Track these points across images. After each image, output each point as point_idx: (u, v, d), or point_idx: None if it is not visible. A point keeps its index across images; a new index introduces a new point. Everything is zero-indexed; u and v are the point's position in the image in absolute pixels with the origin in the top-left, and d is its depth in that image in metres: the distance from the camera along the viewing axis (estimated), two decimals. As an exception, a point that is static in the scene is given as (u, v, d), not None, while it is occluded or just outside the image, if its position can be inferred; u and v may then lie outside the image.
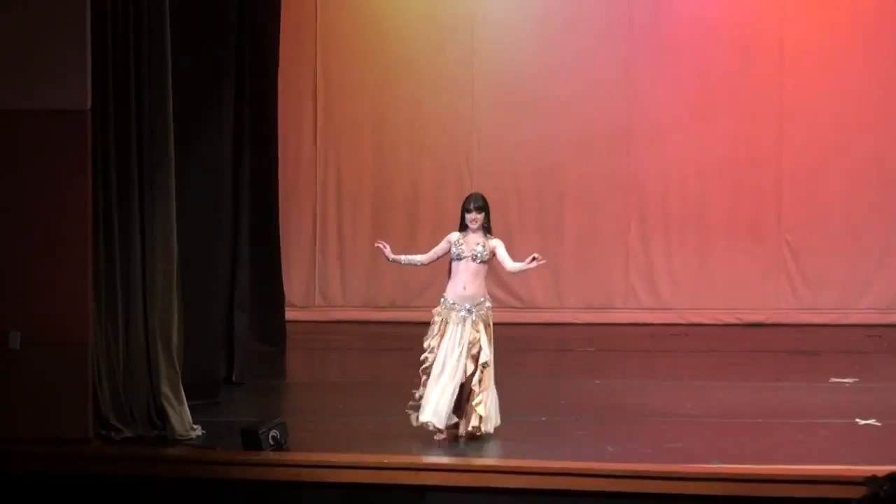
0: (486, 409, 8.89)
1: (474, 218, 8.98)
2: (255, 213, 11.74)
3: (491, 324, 9.01)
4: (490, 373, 8.95)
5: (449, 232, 9.11)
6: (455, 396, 8.87)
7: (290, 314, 12.86)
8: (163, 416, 8.97)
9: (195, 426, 9.05)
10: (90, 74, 8.68)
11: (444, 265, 9.13)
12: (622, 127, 13.76)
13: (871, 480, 5.04)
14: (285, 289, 12.74)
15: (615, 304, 13.85)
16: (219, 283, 10.59)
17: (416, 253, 9.36)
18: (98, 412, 8.83)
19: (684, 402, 10.22)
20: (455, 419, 8.93)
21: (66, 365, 8.68)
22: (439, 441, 8.87)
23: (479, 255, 8.95)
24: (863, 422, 9.51)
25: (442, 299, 9.00)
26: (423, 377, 8.94)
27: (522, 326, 13.17)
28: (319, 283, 14.02)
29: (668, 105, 13.69)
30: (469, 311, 8.91)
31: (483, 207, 9.00)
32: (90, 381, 8.76)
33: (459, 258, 8.97)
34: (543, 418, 9.69)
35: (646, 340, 13.09)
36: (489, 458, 8.74)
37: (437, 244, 9.14)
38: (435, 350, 8.92)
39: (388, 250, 9.13)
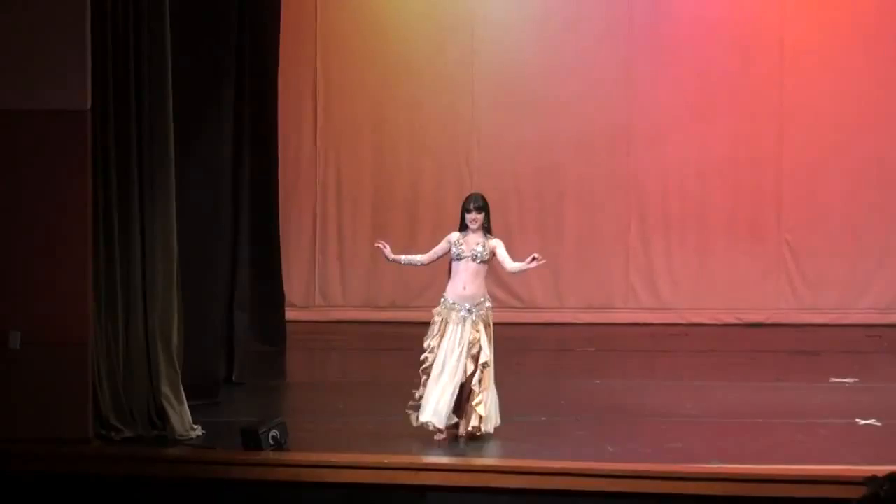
0: (486, 409, 8.88)
1: (474, 218, 8.97)
2: (255, 213, 11.74)
3: (491, 324, 9.00)
4: (490, 373, 8.94)
5: (449, 232, 9.11)
6: (455, 396, 8.87)
7: (290, 314, 12.85)
8: (163, 416, 8.97)
9: (195, 426, 9.05)
10: (90, 74, 8.68)
11: (444, 265, 9.12)
12: (622, 127, 13.75)
13: (871, 480, 5.04)
14: (285, 289, 12.73)
15: (615, 304, 13.85)
16: (219, 283, 10.59)
17: (416, 253, 9.35)
18: (98, 412, 8.83)
19: (684, 402, 10.21)
20: (455, 419, 8.92)
21: (66, 365, 8.67)
22: (439, 441, 8.87)
23: (479, 255, 8.94)
24: (863, 422, 9.50)
25: (442, 299, 8.99)
26: (423, 377, 8.93)
27: (522, 326, 13.16)
28: (319, 283, 14.02)
29: (668, 105, 13.68)
30: (469, 311, 8.90)
31: (483, 207, 8.99)
32: (90, 381, 8.75)
33: (459, 258, 8.96)
34: (543, 418, 9.68)
35: (646, 340, 13.08)
36: (489, 458, 8.74)
37: (437, 244, 9.13)
38: (435, 350, 8.92)
39: (387, 250, 9.12)
